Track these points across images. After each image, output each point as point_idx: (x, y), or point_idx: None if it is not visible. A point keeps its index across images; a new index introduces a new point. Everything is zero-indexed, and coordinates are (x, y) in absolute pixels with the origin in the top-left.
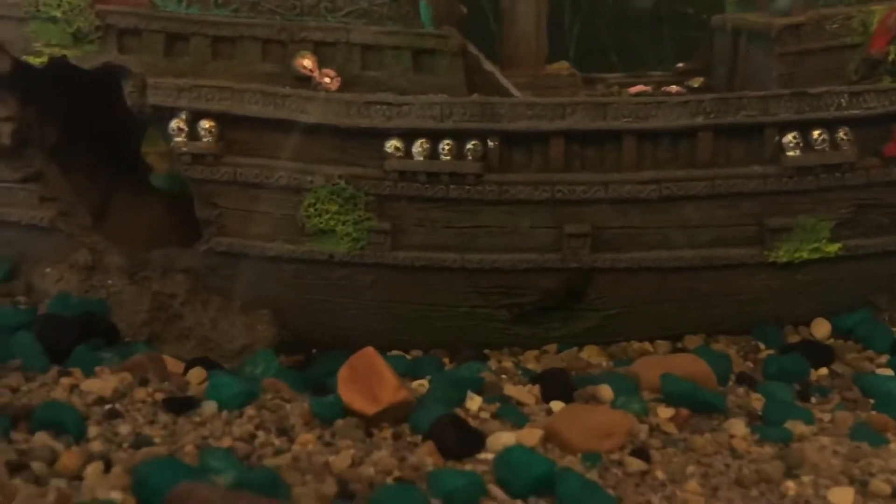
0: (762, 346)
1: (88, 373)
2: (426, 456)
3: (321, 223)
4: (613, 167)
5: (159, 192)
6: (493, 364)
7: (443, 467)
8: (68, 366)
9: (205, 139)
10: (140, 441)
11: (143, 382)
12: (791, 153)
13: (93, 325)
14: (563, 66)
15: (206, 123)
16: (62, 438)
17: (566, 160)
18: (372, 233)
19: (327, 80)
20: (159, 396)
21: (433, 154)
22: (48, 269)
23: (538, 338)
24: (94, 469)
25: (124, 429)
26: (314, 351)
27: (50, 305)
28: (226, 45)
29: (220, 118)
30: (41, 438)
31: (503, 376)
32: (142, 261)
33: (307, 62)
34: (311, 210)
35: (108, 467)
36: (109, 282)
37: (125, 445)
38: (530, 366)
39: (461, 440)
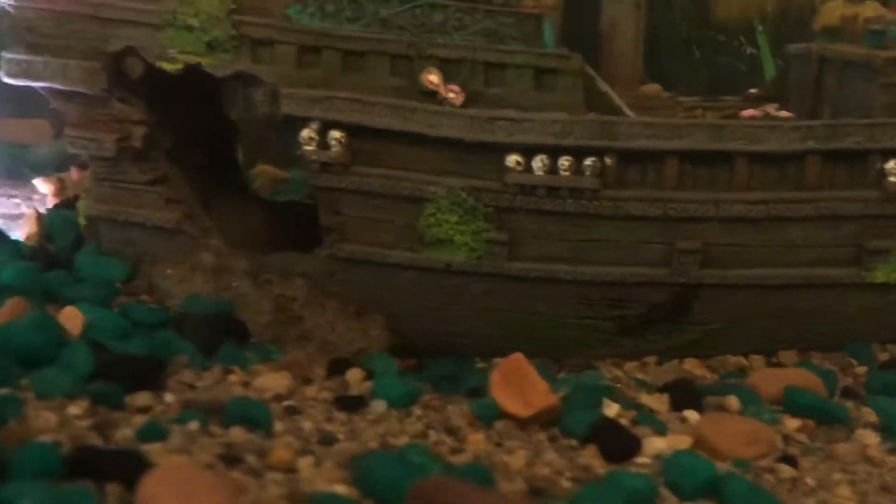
0: (854, 362)
1: (245, 370)
2: (591, 458)
3: (440, 233)
4: (724, 187)
5: (254, 199)
6: (603, 374)
7: (610, 470)
8: (217, 363)
9: (334, 149)
10: (326, 437)
11: (306, 381)
12: (892, 179)
13: (227, 325)
14: (654, 88)
15: (336, 133)
16: (257, 433)
17: (679, 179)
18: (489, 243)
19: (452, 95)
20: (325, 395)
21: (552, 169)
22: (169, 271)
23: (640, 349)
24: (306, 463)
25: (307, 425)
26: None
27: (184, 305)
28: (355, 58)
29: (349, 129)
30: (238, 433)
31: (618, 385)
32: (263, 264)
33: (434, 77)
34: (432, 220)
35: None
36: (234, 283)
37: (314, 441)
38: (639, 376)
39: (622, 444)
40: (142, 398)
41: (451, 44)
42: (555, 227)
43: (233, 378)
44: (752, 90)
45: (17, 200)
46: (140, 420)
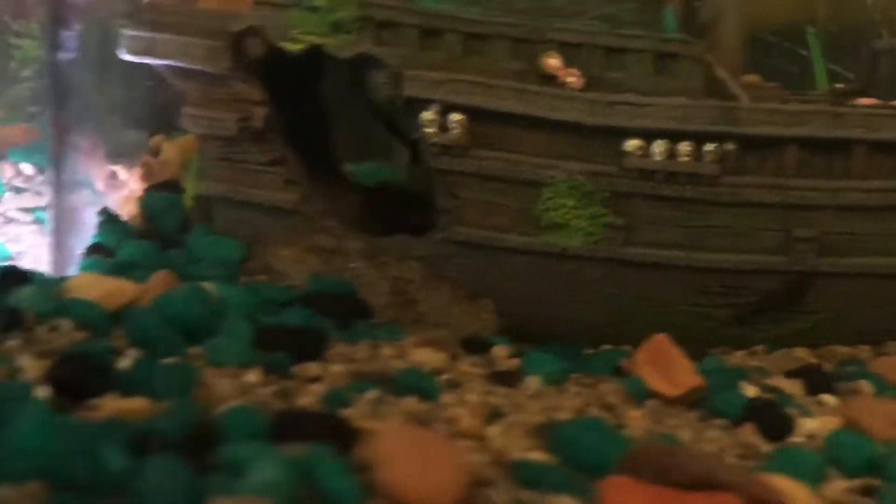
0: None
1: (393, 345)
2: (751, 436)
3: (557, 217)
4: (841, 175)
5: (352, 184)
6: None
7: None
8: (353, 339)
9: (454, 131)
10: (494, 409)
11: (454, 357)
12: None
13: (353, 304)
14: (754, 79)
15: (456, 116)
16: (429, 403)
17: (798, 166)
18: (606, 228)
19: (572, 79)
20: (476, 370)
21: (672, 154)
22: (284, 252)
23: (748, 338)
24: (494, 431)
25: (472, 397)
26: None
27: (309, 284)
28: (477, 41)
29: (470, 112)
30: (412, 403)
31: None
32: (379, 246)
33: (554, 61)
34: (549, 204)
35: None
36: (353, 265)
37: (486, 412)
38: (753, 364)
39: (778, 423)
40: (312, 368)
41: (572, 28)
42: (671, 213)
43: (385, 352)
44: (839, 85)
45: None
46: (317, 388)
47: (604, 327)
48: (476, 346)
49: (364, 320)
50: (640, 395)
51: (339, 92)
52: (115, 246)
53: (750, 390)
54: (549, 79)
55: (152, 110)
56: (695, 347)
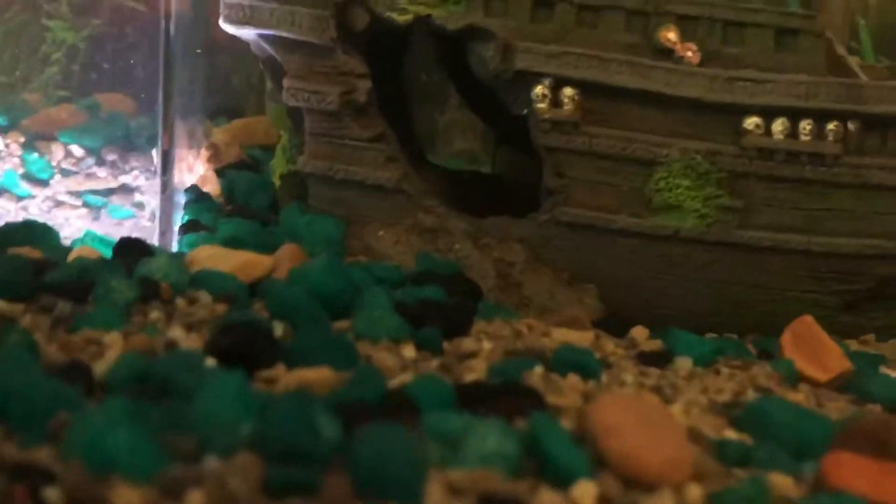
0: None
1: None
2: None
3: (671, 198)
4: None
5: (431, 166)
6: None
7: None
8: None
9: (566, 107)
10: (655, 390)
11: (598, 337)
12: None
13: (463, 285)
14: (855, 60)
15: (568, 91)
16: (590, 381)
17: None
18: (721, 210)
19: (689, 53)
20: (621, 351)
21: (792, 133)
22: (381, 232)
23: (858, 326)
24: (675, 410)
25: (628, 377)
26: None
27: (418, 264)
28: (590, 13)
29: (582, 86)
30: (576, 380)
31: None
32: (481, 227)
33: (671, 35)
34: (662, 184)
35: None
36: (457, 245)
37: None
38: (872, 351)
39: None
40: (466, 344)
41: (690, 0)
42: (789, 195)
43: (526, 331)
44: None
45: (136, 172)
46: (477, 364)
47: (709, 314)
48: (608, 326)
49: (476, 301)
50: (792, 378)
51: (421, 71)
52: (211, 223)
53: (892, 374)
54: (665, 53)
55: (204, 95)
56: None
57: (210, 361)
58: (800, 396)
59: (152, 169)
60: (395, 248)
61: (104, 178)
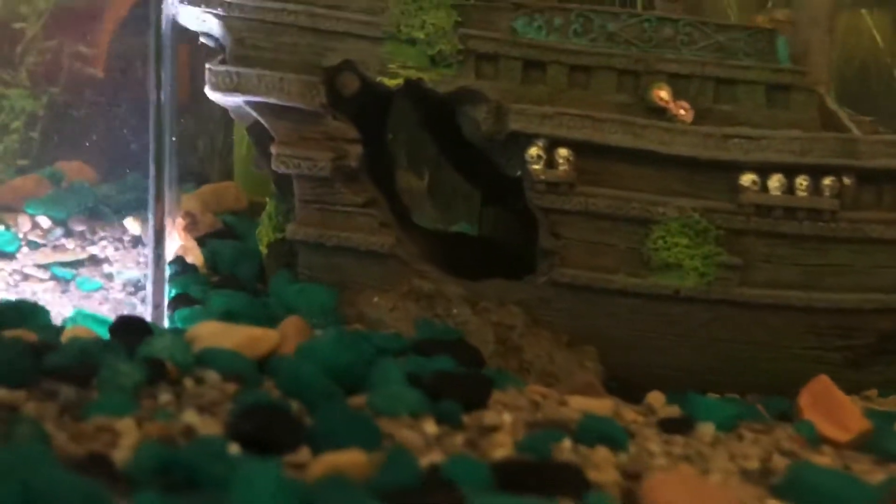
0: None
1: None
2: None
3: (669, 256)
4: None
5: (421, 229)
6: None
7: None
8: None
9: (561, 167)
10: (685, 458)
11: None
12: None
13: (466, 352)
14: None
15: (563, 151)
16: (619, 452)
17: None
18: (721, 268)
19: (682, 111)
20: (642, 419)
21: (789, 189)
22: (376, 299)
23: (860, 382)
24: (714, 480)
25: (653, 446)
26: None
27: (419, 331)
28: (581, 74)
29: (577, 146)
30: (604, 453)
31: None
32: (479, 290)
33: (664, 93)
34: (660, 243)
35: None
36: (455, 311)
37: (664, 462)
38: (878, 408)
39: None
40: (489, 417)
41: (681, 58)
42: (787, 251)
43: (539, 398)
44: None
45: (104, 242)
46: (502, 438)
47: (710, 374)
48: (616, 391)
49: (479, 368)
50: (814, 440)
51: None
52: (200, 296)
53: None
54: (658, 111)
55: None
56: None
57: (233, 448)
58: (826, 459)
59: (124, 238)
60: (391, 315)
61: (72, 250)
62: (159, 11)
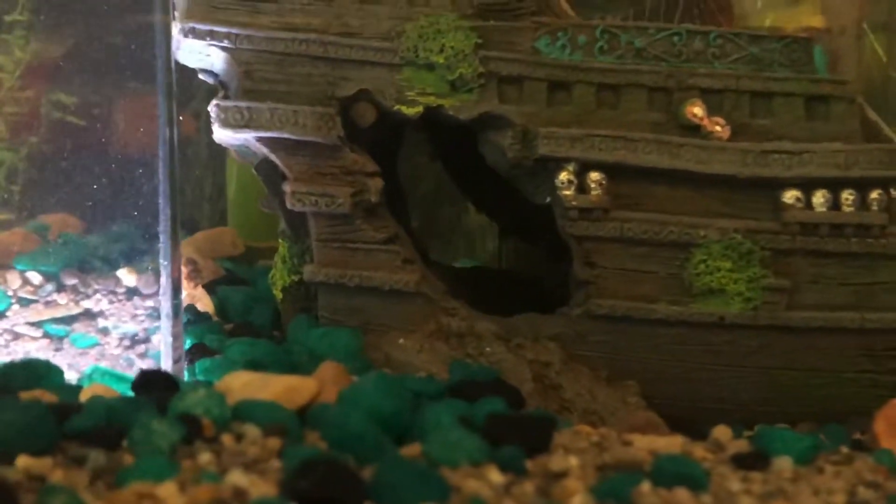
0: None
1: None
2: None
3: (712, 281)
4: None
5: (439, 265)
6: None
7: None
8: None
9: (594, 192)
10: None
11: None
12: None
13: (505, 392)
14: None
15: (594, 175)
16: (700, 493)
17: None
18: (767, 291)
19: (718, 128)
20: (710, 456)
21: (834, 205)
22: (402, 340)
23: None
24: None
25: (733, 485)
26: None
27: (453, 373)
28: (609, 93)
29: (610, 169)
30: (685, 495)
31: None
32: (512, 326)
33: (697, 110)
34: (702, 267)
35: None
36: (488, 349)
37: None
38: None
39: None
40: (554, 462)
41: (714, 72)
42: (836, 270)
43: (598, 439)
44: None
45: (98, 296)
46: (573, 484)
47: (759, 404)
48: (681, 428)
49: (520, 409)
50: (894, 468)
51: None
52: (217, 346)
53: None
54: (692, 129)
55: None
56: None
57: None
58: None
59: (118, 291)
60: (419, 356)
61: (65, 305)
62: (168, 44)
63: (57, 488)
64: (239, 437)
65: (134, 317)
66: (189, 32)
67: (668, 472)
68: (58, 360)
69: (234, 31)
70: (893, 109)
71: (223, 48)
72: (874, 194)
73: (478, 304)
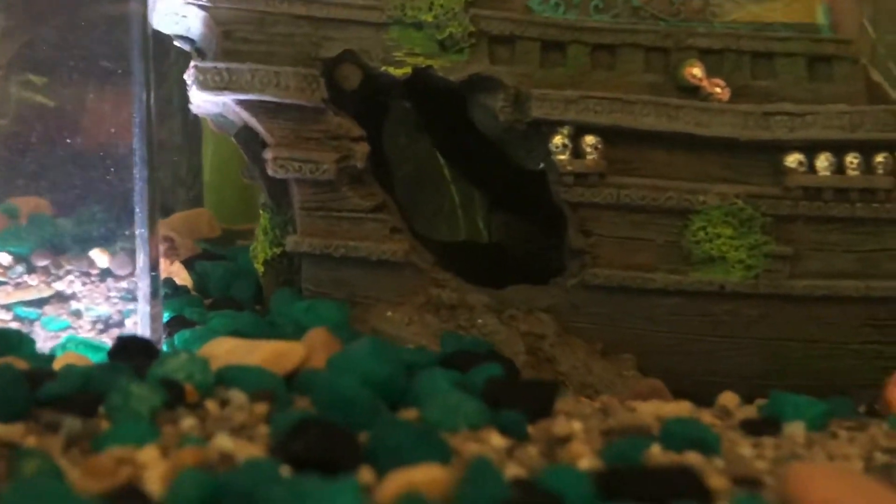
0: None
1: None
2: None
3: (712, 249)
4: None
5: (425, 238)
6: None
7: None
8: None
9: (589, 157)
10: (781, 461)
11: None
12: None
13: (501, 364)
14: None
15: (590, 139)
16: (712, 457)
17: None
18: (769, 259)
19: (718, 90)
20: (719, 422)
21: (839, 168)
22: (389, 313)
23: None
24: None
25: (745, 450)
26: None
27: (445, 344)
28: (605, 53)
29: (606, 132)
30: (695, 457)
31: None
32: (504, 298)
33: (696, 71)
34: (702, 234)
35: None
36: (479, 321)
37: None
38: None
39: None
40: (558, 426)
41: (714, 32)
42: (838, 237)
43: (601, 406)
44: None
45: (70, 278)
46: (580, 448)
47: (760, 377)
48: (686, 395)
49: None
50: None
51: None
52: (197, 318)
53: None
54: (691, 91)
55: None
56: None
57: (285, 470)
58: None
59: (91, 272)
60: (408, 329)
61: (36, 287)
62: (145, 29)
63: (31, 452)
64: (224, 403)
65: (107, 299)
66: None
67: (679, 436)
68: None
69: None
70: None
71: (201, 7)
72: (880, 157)
73: (470, 277)
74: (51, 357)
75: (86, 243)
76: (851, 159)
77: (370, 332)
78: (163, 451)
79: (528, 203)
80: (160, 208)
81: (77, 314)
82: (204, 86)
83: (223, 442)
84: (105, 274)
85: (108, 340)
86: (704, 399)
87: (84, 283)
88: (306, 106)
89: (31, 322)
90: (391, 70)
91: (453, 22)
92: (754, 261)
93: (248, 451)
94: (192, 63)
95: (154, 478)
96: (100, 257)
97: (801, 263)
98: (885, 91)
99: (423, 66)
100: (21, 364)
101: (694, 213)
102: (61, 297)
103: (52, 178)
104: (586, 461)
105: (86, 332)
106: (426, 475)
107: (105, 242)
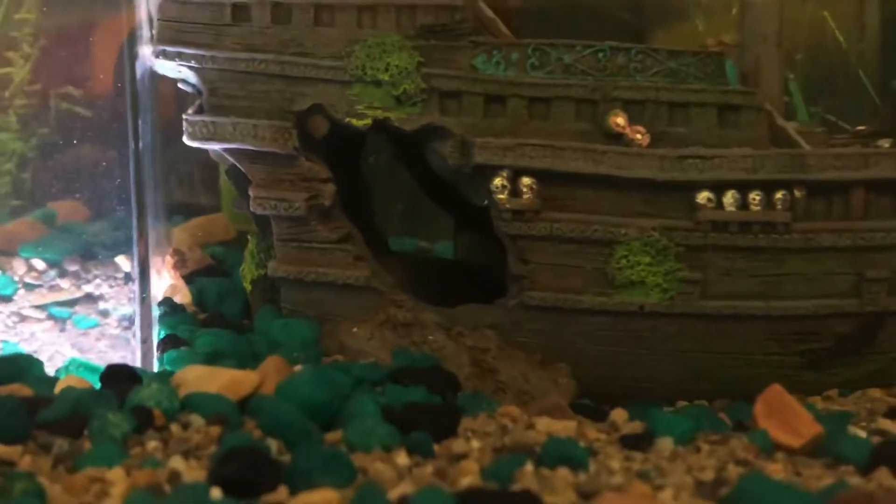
0: None
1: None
2: (889, 479)
3: (633, 274)
4: None
5: (396, 256)
6: None
7: None
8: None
9: (525, 195)
10: (642, 474)
11: (580, 424)
12: None
13: (442, 377)
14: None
15: (526, 180)
16: (579, 472)
17: (865, 208)
18: (682, 283)
19: (639, 136)
20: (604, 436)
21: (743, 204)
22: (355, 329)
23: (821, 383)
24: (667, 496)
25: (614, 464)
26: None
27: (394, 360)
28: (541, 105)
29: (540, 175)
30: (565, 474)
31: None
32: (453, 316)
33: (620, 120)
34: (624, 262)
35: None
36: (430, 337)
37: (621, 480)
38: (833, 408)
39: None
40: (456, 445)
41: (636, 85)
42: (745, 263)
43: (508, 423)
44: (861, 127)
45: (98, 280)
46: (469, 466)
47: (679, 384)
48: (586, 409)
49: (455, 393)
50: (768, 448)
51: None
52: (188, 336)
53: (860, 433)
54: (615, 137)
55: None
56: None
57: (215, 492)
58: (778, 467)
59: (116, 276)
60: (369, 344)
61: (67, 289)
62: (133, 60)
63: (19, 473)
64: (185, 426)
65: (130, 300)
66: (160, 54)
67: (553, 453)
68: (61, 340)
69: (200, 52)
70: (854, 91)
71: (191, 68)
72: (779, 195)
73: (434, 294)
74: (55, 380)
75: (113, 248)
76: (754, 196)
77: (338, 346)
78: (127, 470)
79: (487, 225)
80: (182, 211)
81: (105, 313)
82: (193, 136)
83: (176, 463)
84: (128, 277)
85: (131, 336)
86: (634, 401)
87: (111, 286)
88: (280, 153)
89: (64, 321)
90: (354, 121)
91: (407, 80)
92: (669, 284)
93: (194, 472)
94: (184, 115)
95: (115, 495)
96: (124, 262)
97: (711, 287)
98: (787, 134)
99: (382, 117)
100: (25, 391)
101: (617, 243)
102: (90, 298)
103: (88, 185)
104: (469, 479)
105: (113, 328)
106: (322, 497)
107: (128, 248)
